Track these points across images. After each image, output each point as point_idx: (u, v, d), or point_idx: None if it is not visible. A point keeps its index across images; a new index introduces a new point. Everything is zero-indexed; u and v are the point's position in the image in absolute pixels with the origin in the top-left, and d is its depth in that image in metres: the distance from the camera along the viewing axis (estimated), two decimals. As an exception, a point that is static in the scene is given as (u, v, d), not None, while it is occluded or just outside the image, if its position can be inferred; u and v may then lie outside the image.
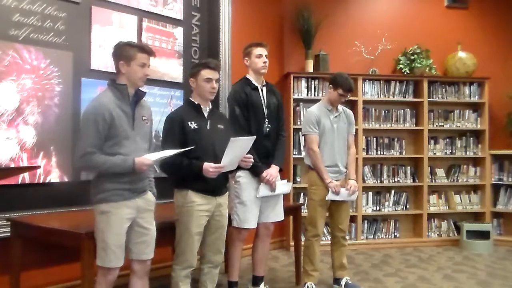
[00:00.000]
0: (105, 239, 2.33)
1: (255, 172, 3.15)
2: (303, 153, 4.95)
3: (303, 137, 4.34)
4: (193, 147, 2.64)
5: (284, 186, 3.34)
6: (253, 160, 2.94)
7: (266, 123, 3.23)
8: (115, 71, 2.46)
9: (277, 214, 3.35)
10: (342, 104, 3.75)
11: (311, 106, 3.77)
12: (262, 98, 3.26)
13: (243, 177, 3.16)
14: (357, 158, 5.13)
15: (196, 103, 2.84)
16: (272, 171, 3.19)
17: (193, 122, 2.76)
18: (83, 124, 2.36)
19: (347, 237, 3.79)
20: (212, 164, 2.67)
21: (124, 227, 2.38)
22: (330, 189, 3.50)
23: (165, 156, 2.50)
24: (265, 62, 3.24)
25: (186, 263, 2.75)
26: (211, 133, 2.82)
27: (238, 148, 2.76)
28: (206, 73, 2.79)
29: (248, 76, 3.30)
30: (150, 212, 2.52)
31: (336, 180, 3.57)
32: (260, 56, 3.23)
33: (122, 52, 2.40)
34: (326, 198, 3.53)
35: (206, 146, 2.75)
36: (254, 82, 3.27)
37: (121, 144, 2.35)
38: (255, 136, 2.84)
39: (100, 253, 2.35)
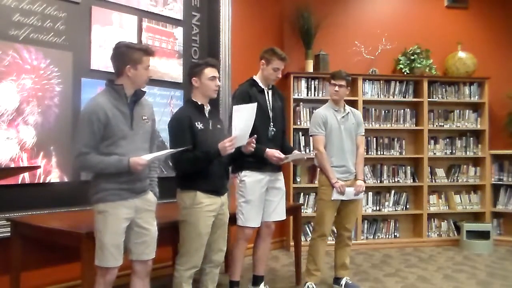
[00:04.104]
0: (102, 238, 2.33)
1: (259, 156, 3.14)
2: (303, 153, 4.96)
3: (310, 137, 4.33)
4: (188, 147, 2.64)
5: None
6: (255, 144, 2.96)
7: (271, 126, 3.26)
8: (114, 71, 2.44)
9: (279, 213, 3.37)
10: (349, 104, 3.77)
11: (311, 106, 3.78)
12: (267, 101, 3.29)
13: (248, 176, 3.18)
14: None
15: (200, 103, 2.84)
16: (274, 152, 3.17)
17: (199, 123, 2.78)
18: (79, 124, 2.37)
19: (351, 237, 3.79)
20: (226, 140, 2.71)
21: (122, 227, 2.38)
22: (335, 189, 3.51)
23: (161, 156, 2.50)
24: (277, 77, 3.28)
25: (191, 263, 2.75)
26: (214, 133, 2.85)
27: (244, 118, 2.77)
28: (209, 71, 2.81)
29: (255, 77, 3.32)
30: (149, 212, 2.52)
31: (345, 180, 3.57)
32: (277, 69, 3.24)
33: (129, 55, 2.37)
34: (332, 198, 3.53)
35: (211, 146, 2.76)
36: (260, 84, 3.29)
37: (117, 144, 2.34)
38: (255, 103, 2.88)
39: (97, 253, 2.35)
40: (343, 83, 3.60)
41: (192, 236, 2.73)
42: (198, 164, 2.74)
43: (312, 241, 3.66)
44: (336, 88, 3.59)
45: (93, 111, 2.30)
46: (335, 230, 3.94)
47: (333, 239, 4.13)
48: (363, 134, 3.81)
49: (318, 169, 3.73)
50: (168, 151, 2.53)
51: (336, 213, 3.69)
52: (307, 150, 5.06)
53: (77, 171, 3.21)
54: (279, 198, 3.35)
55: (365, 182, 3.82)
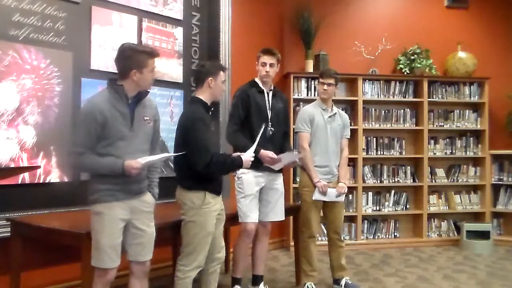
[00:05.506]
0: (98, 239, 2.32)
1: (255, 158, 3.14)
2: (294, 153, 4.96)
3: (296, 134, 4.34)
4: (184, 152, 2.64)
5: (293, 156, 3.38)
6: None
7: (269, 126, 3.27)
8: (116, 71, 2.42)
9: (276, 213, 3.39)
10: (337, 106, 3.77)
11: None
12: (266, 102, 3.31)
13: (245, 173, 3.22)
14: (357, 158, 5.17)
15: (209, 104, 2.85)
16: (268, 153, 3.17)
17: (210, 125, 2.82)
18: (77, 123, 2.36)
19: (344, 238, 3.80)
20: (251, 157, 2.81)
21: (118, 228, 2.36)
22: (316, 188, 3.51)
23: (157, 160, 2.48)
24: (267, 71, 3.27)
25: (197, 263, 2.75)
26: (217, 134, 2.87)
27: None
28: (223, 75, 2.87)
29: (256, 79, 3.37)
30: (146, 213, 2.49)
31: (328, 182, 3.57)
32: (264, 64, 3.28)
33: (134, 59, 2.34)
34: (313, 198, 3.54)
35: (216, 146, 2.80)
36: (260, 85, 3.33)
37: (115, 145, 2.32)
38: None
39: (93, 254, 2.34)
40: (331, 81, 3.59)
41: (201, 236, 2.74)
42: (224, 171, 2.88)
43: (303, 243, 3.66)
44: (325, 86, 3.59)
45: (89, 111, 2.30)
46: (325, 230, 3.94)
47: (323, 240, 4.12)
48: (349, 137, 3.80)
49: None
50: (165, 155, 2.53)
51: (322, 215, 3.70)
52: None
53: (72, 170, 3.21)
54: (276, 198, 3.37)
55: (356, 181, 3.81)
